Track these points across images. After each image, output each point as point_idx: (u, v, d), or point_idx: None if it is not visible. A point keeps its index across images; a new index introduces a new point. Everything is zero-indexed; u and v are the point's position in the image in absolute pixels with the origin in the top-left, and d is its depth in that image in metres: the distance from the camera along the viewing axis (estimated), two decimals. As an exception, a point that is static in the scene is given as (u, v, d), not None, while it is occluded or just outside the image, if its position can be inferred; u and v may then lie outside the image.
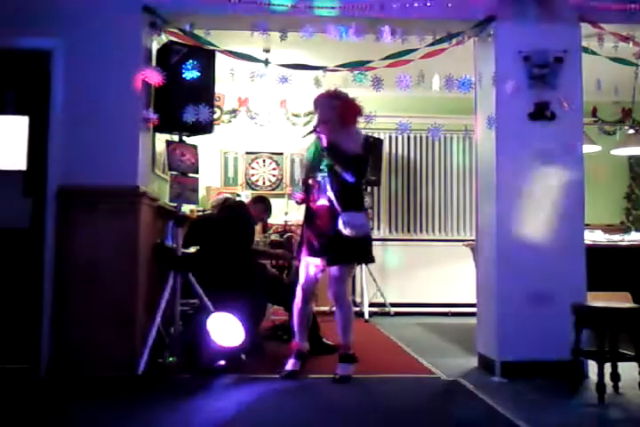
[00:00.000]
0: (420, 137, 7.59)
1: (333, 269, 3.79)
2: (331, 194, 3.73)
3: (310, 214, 3.90)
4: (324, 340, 4.59)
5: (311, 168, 3.90)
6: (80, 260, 3.78)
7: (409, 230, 7.57)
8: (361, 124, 3.99)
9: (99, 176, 3.81)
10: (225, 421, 3.02)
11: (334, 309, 3.90)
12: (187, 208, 5.52)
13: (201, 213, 6.37)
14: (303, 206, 3.94)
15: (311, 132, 3.87)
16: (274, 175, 7.45)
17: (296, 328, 3.92)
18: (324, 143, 3.76)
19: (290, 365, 3.82)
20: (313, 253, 3.82)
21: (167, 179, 4.61)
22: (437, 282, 7.11)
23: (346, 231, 3.64)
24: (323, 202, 3.79)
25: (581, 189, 4.01)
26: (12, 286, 3.89)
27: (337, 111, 3.75)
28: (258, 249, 5.23)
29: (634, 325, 3.39)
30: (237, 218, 4.82)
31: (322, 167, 3.80)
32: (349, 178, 3.71)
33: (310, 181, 3.88)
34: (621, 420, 3.20)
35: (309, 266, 3.87)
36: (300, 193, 3.92)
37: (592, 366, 3.68)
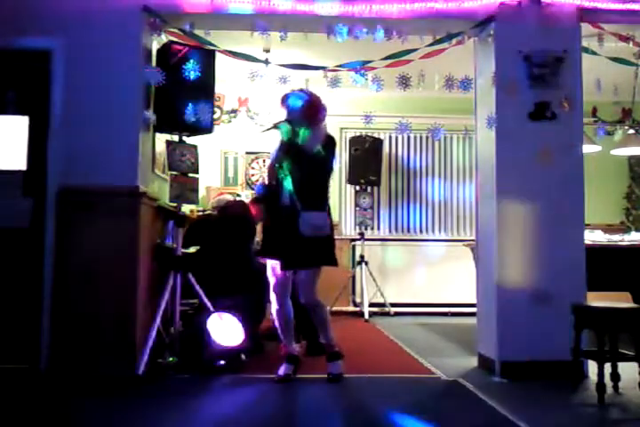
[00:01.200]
0: (420, 137, 7.60)
1: (298, 272, 3.71)
2: (291, 192, 3.65)
3: (272, 213, 3.79)
4: (324, 340, 4.58)
5: (273, 166, 3.78)
6: (80, 260, 3.78)
7: (409, 230, 7.58)
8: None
9: (98, 176, 3.81)
10: (225, 421, 3.02)
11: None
12: (187, 208, 5.51)
13: (201, 213, 6.37)
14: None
15: (271, 128, 3.81)
16: (274, 175, 7.43)
17: (280, 332, 3.83)
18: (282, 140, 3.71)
19: (282, 369, 3.73)
20: (273, 254, 3.71)
21: (167, 179, 4.61)
22: (437, 282, 7.11)
23: (304, 231, 3.56)
24: (284, 201, 3.69)
25: (581, 189, 4.01)
26: (12, 286, 3.88)
27: (301, 110, 3.70)
28: (258, 249, 5.22)
29: (634, 325, 3.39)
30: (237, 218, 4.82)
31: (282, 164, 3.71)
32: (306, 175, 3.63)
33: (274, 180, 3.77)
34: (621, 420, 3.20)
35: (276, 268, 3.75)
36: (262, 189, 3.83)
37: (592, 366, 3.67)
